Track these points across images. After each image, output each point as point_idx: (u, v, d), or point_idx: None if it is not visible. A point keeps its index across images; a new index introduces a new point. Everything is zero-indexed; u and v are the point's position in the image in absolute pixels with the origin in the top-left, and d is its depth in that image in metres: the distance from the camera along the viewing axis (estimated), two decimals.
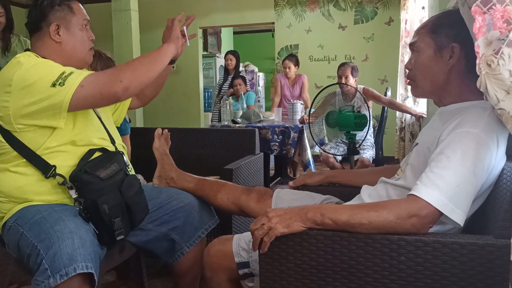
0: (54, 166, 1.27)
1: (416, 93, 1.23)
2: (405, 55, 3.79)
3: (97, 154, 1.35)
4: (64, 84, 1.21)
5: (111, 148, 1.43)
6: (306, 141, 3.54)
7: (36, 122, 1.25)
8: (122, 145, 1.53)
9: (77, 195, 1.27)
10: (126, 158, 1.48)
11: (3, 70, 1.31)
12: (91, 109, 1.42)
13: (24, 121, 1.25)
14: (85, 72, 1.28)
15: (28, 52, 1.35)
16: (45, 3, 1.35)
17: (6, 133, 1.27)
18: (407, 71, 1.23)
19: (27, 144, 1.27)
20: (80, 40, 1.39)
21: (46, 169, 1.27)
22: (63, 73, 1.23)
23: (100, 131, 1.43)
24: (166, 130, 1.75)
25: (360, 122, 2.43)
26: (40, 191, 1.29)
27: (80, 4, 1.41)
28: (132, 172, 1.50)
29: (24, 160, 1.28)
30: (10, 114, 1.24)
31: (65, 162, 1.29)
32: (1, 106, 1.25)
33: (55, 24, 1.34)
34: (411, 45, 1.19)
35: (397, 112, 3.92)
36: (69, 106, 1.23)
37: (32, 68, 1.24)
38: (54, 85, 1.21)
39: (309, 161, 3.52)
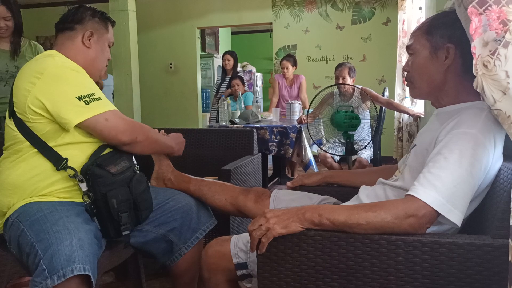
0: (66, 158, 1.29)
1: (414, 94, 1.23)
2: (402, 56, 3.80)
3: (108, 150, 1.37)
4: (88, 104, 1.27)
5: None
6: (305, 141, 3.55)
7: (47, 115, 1.28)
8: None
9: (87, 189, 1.29)
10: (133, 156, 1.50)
11: (32, 62, 1.36)
12: None
13: (37, 109, 1.26)
14: (111, 105, 1.33)
15: (54, 51, 1.41)
16: (88, 12, 1.47)
17: (20, 123, 1.30)
18: (405, 73, 1.23)
19: (40, 136, 1.29)
20: (104, 54, 1.50)
21: (57, 161, 1.29)
22: (93, 93, 1.30)
23: None
24: (163, 131, 1.75)
25: (351, 122, 2.43)
26: (50, 182, 1.30)
27: (112, 28, 1.55)
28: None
29: (36, 151, 1.30)
30: (26, 102, 1.26)
31: (76, 155, 1.31)
32: (21, 94, 1.28)
33: (90, 31, 1.44)
34: (408, 48, 1.20)
35: (395, 112, 3.93)
36: (79, 125, 1.28)
37: (70, 68, 1.32)
38: (80, 98, 1.26)
39: (310, 160, 3.51)
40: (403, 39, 3.75)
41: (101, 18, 1.49)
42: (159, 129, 1.75)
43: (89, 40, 1.44)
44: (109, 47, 1.53)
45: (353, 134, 2.59)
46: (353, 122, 2.44)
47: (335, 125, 2.51)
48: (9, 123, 1.33)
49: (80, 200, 1.31)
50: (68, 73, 1.30)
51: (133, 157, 1.48)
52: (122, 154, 1.39)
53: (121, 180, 1.33)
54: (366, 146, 2.95)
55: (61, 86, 1.27)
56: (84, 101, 1.26)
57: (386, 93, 3.82)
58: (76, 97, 1.26)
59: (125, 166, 1.36)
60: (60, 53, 1.39)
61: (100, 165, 1.29)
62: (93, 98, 1.28)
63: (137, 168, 1.48)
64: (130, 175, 1.38)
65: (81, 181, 1.29)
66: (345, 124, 2.42)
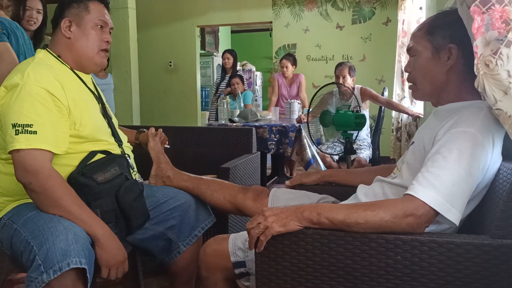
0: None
1: (417, 96, 1.23)
2: (402, 56, 3.79)
3: (99, 156, 1.34)
4: (17, 135, 1.17)
5: (116, 151, 1.41)
6: (305, 140, 3.54)
7: None
8: (129, 148, 1.53)
9: None
10: (131, 161, 1.47)
11: (19, 65, 1.32)
12: (98, 110, 1.41)
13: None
14: (42, 142, 1.18)
15: (44, 52, 1.36)
16: (65, 1, 1.38)
17: None
18: (406, 73, 1.23)
19: None
20: (91, 38, 1.37)
21: None
22: (30, 125, 1.18)
23: (106, 132, 1.42)
24: (160, 129, 1.73)
25: (360, 121, 2.45)
26: None
27: (103, 7, 1.42)
28: (136, 176, 1.48)
29: None
30: None
31: (65, 164, 1.28)
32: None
33: (67, 20, 1.35)
34: (409, 49, 1.19)
35: (393, 112, 3.92)
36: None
37: (28, 91, 1.20)
38: (14, 125, 1.18)
39: (311, 159, 3.50)
40: (403, 39, 3.75)
41: (78, 2, 1.37)
42: (156, 128, 1.73)
43: (69, 29, 1.34)
44: (102, 27, 1.39)
45: (352, 134, 2.59)
46: (362, 121, 2.46)
47: (337, 124, 2.50)
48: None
49: None
50: (24, 97, 1.20)
51: (130, 162, 1.44)
52: (114, 159, 1.35)
53: (108, 188, 1.29)
54: (354, 141, 2.93)
55: (9, 110, 1.20)
56: (16, 130, 1.17)
57: (386, 93, 3.82)
58: (12, 124, 1.18)
59: (115, 173, 1.32)
60: (47, 56, 1.34)
61: (85, 174, 1.26)
62: (26, 130, 1.17)
63: (134, 173, 1.45)
64: (120, 183, 1.32)
65: None
66: (356, 123, 2.43)
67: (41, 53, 1.36)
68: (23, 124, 1.18)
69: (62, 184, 1.21)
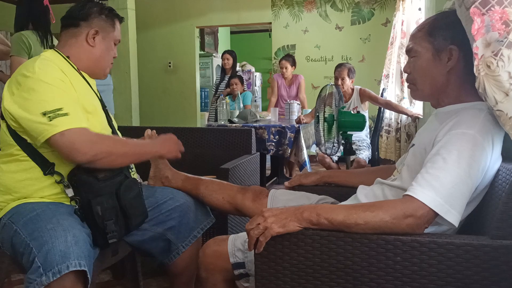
0: (53, 163, 1.27)
1: (416, 96, 1.23)
2: (401, 56, 3.79)
3: None
4: (51, 121, 1.19)
5: None
6: (303, 141, 3.55)
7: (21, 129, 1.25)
8: None
9: (73, 194, 1.27)
10: None
11: (24, 65, 1.31)
12: (101, 110, 1.44)
13: (12, 122, 1.25)
14: (78, 122, 1.23)
15: (51, 51, 1.38)
16: (94, 8, 1.42)
17: (8, 126, 1.28)
18: (405, 74, 1.23)
19: (28, 140, 1.27)
20: (109, 53, 1.47)
21: (45, 166, 1.27)
22: (60, 108, 1.21)
23: (108, 133, 1.44)
24: (154, 131, 1.72)
25: (365, 122, 2.48)
26: (40, 187, 1.28)
27: (119, 26, 1.51)
28: (135, 176, 1.49)
29: (26, 154, 1.27)
30: (5, 111, 1.25)
31: (66, 161, 1.28)
32: (4, 99, 1.26)
33: (95, 30, 1.41)
34: (409, 50, 1.18)
35: (386, 113, 3.91)
36: (44, 142, 1.21)
37: (45, 81, 1.23)
38: (44, 114, 1.20)
39: (305, 161, 3.52)
40: (402, 40, 3.75)
41: (108, 15, 1.44)
42: (151, 128, 1.73)
43: (94, 38, 1.40)
44: (115, 44, 1.49)
45: (352, 135, 2.59)
46: (365, 122, 2.47)
47: (342, 125, 2.50)
48: (2, 124, 1.31)
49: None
50: (42, 87, 1.23)
51: None
52: None
53: (109, 186, 1.30)
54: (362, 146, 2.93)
55: (31, 103, 1.21)
56: (48, 117, 1.19)
57: (385, 94, 3.82)
58: (41, 113, 1.19)
59: (116, 171, 1.33)
60: (55, 55, 1.36)
61: (86, 171, 1.27)
62: (58, 114, 1.20)
63: (132, 172, 1.46)
64: (120, 180, 1.33)
65: (67, 186, 1.27)
66: (364, 124, 2.45)
67: (48, 53, 1.38)
68: (53, 110, 1.20)
69: (112, 138, 1.35)
